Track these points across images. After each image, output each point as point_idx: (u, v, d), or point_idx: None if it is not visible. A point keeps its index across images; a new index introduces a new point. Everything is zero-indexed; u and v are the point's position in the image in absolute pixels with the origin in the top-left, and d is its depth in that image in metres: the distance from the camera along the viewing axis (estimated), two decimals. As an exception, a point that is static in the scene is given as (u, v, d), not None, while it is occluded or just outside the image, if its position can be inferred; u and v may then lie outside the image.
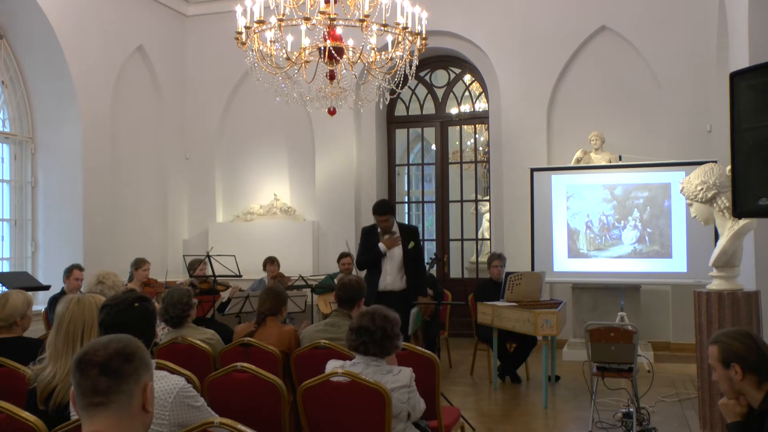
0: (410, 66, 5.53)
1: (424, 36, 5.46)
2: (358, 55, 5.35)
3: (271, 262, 8.25)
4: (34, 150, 8.21)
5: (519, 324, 6.24)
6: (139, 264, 7.34)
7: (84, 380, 1.70)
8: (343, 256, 8.24)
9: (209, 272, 7.66)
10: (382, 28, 5.18)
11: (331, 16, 5.07)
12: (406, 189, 11.79)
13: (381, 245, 5.96)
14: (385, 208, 6.04)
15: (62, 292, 6.36)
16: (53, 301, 6.16)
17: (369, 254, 6.03)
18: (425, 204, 12.43)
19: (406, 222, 11.48)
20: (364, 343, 3.13)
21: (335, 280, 8.22)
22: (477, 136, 10.57)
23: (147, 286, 7.12)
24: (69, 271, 6.58)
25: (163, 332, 4.30)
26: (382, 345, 3.13)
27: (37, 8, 7.61)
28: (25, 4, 7.60)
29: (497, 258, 7.42)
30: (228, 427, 2.14)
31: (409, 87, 6.64)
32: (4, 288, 6.34)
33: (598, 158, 8.26)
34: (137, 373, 1.74)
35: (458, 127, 10.45)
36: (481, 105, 10.09)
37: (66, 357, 2.67)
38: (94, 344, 1.76)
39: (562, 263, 8.21)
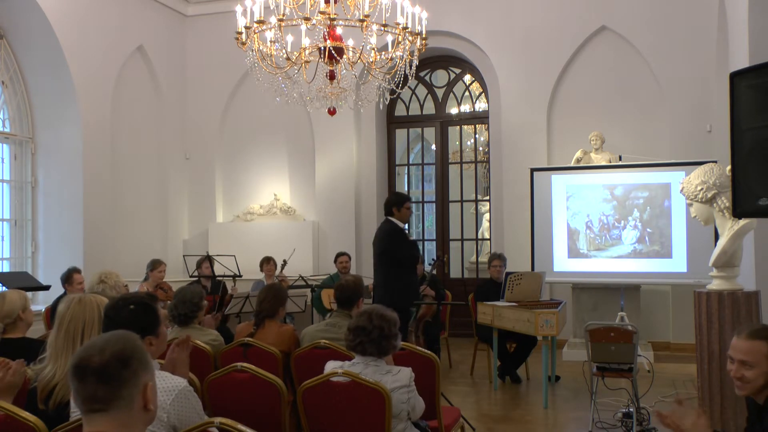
0: (410, 66, 5.53)
1: (424, 36, 5.46)
2: (358, 55, 5.35)
3: (267, 262, 8.23)
4: (34, 150, 8.21)
5: (519, 324, 6.23)
6: (155, 265, 7.33)
7: (82, 388, 1.69)
8: (340, 255, 8.23)
9: (213, 272, 7.67)
10: (382, 28, 5.19)
11: (331, 16, 5.08)
12: (406, 189, 11.77)
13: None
14: None
15: (65, 295, 6.30)
16: (58, 303, 6.08)
17: (416, 250, 6.22)
18: (425, 204, 12.43)
19: (407, 224, 11.48)
20: (361, 343, 3.13)
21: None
22: (477, 136, 10.57)
23: (159, 290, 7.08)
24: (69, 278, 6.34)
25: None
26: (380, 345, 3.13)
27: (37, 8, 7.61)
28: (25, 4, 7.60)
29: (497, 258, 7.42)
30: (228, 427, 2.14)
31: (409, 87, 6.64)
32: (3, 288, 6.34)
33: (598, 158, 8.26)
34: (135, 377, 1.72)
35: (458, 127, 10.45)
36: (481, 105, 10.09)
37: (66, 356, 2.67)
38: (90, 348, 1.73)
39: (562, 263, 8.21)
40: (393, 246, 6.00)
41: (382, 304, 5.52)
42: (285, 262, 7.96)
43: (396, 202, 6.14)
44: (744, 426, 2.80)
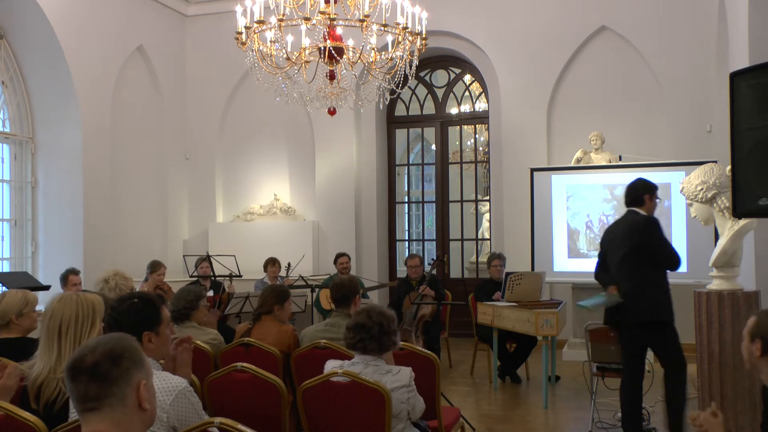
0: (410, 66, 5.54)
1: (424, 36, 5.47)
2: (358, 55, 5.35)
3: (272, 264, 8.20)
4: (34, 150, 8.21)
5: (519, 324, 6.24)
6: (154, 267, 7.34)
7: (75, 387, 1.72)
8: (340, 255, 8.22)
9: (213, 271, 7.68)
10: (382, 28, 5.19)
11: (331, 16, 5.08)
12: (406, 189, 11.79)
13: None
14: None
15: None
16: None
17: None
18: (425, 204, 12.43)
19: (407, 224, 11.49)
20: (361, 340, 3.13)
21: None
22: (477, 136, 10.57)
23: (159, 290, 7.09)
24: (65, 279, 6.35)
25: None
26: (380, 341, 3.13)
27: (37, 8, 7.61)
28: (25, 4, 7.60)
29: (497, 258, 7.42)
30: (228, 427, 2.14)
31: (409, 87, 6.64)
32: (4, 288, 6.34)
33: (598, 158, 8.26)
34: (127, 374, 1.74)
35: (458, 127, 10.45)
36: (481, 105, 10.10)
37: (48, 354, 2.67)
38: (84, 349, 1.76)
39: (562, 263, 8.21)
40: (651, 240, 4.60)
41: (637, 317, 4.52)
42: (290, 264, 7.96)
43: (649, 189, 4.82)
44: (743, 424, 2.81)
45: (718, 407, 2.56)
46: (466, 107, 10.36)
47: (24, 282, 6.60)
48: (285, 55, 5.39)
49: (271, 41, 5.28)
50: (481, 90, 9.87)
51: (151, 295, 2.68)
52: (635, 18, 8.55)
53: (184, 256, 8.83)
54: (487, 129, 9.80)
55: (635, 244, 4.63)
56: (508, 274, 6.82)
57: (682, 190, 4.87)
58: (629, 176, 7.94)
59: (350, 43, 5.43)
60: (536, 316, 6.01)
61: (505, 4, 9.06)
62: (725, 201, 4.52)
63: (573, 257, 8.16)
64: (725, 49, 7.26)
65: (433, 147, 10.70)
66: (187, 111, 10.25)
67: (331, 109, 5.95)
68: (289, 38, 5.34)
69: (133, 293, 2.71)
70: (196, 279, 7.75)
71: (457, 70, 10.03)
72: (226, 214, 10.26)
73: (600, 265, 5.14)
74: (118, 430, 1.70)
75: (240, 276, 7.95)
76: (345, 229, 9.59)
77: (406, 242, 11.55)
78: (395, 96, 7.03)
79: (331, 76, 5.59)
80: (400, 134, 10.54)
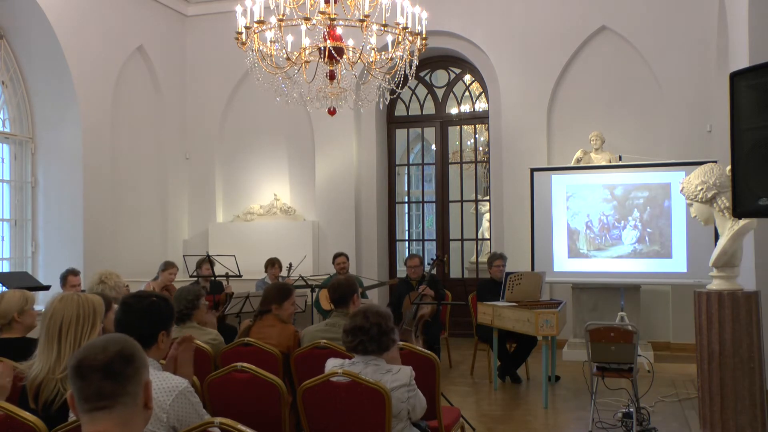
0: (410, 66, 5.54)
1: (424, 36, 5.47)
2: (358, 55, 5.35)
3: (272, 265, 8.16)
4: (34, 150, 8.21)
5: (519, 324, 6.24)
6: (167, 266, 7.40)
7: (86, 386, 1.69)
8: (338, 255, 8.22)
9: (213, 272, 7.68)
10: (382, 28, 5.19)
11: (331, 16, 5.08)
12: (406, 189, 11.79)
13: None
14: None
15: None
16: None
17: None
18: (425, 204, 12.44)
19: (407, 224, 11.49)
20: (361, 342, 3.12)
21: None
22: (477, 136, 10.57)
23: (165, 290, 7.11)
24: (64, 279, 6.38)
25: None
26: (380, 341, 3.12)
27: (37, 8, 7.61)
28: (25, 4, 7.60)
29: (499, 258, 7.41)
30: (228, 427, 2.14)
31: (409, 87, 6.63)
32: (4, 288, 6.34)
33: (598, 158, 8.26)
34: (139, 374, 1.74)
35: (458, 127, 10.45)
36: (481, 105, 10.10)
37: (48, 354, 2.66)
38: (92, 348, 1.74)
39: (562, 263, 8.21)
40: None
41: None
42: (291, 265, 7.97)
43: None
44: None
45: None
46: (466, 107, 10.36)
47: (24, 282, 6.60)
48: (285, 55, 5.39)
49: (271, 41, 5.27)
50: (481, 90, 9.87)
51: (164, 295, 2.73)
52: (635, 18, 8.55)
53: (184, 256, 8.83)
54: (487, 129, 9.80)
55: None
56: (508, 274, 6.83)
57: (682, 190, 4.87)
58: (629, 176, 8.03)
59: (350, 43, 5.43)
60: (536, 316, 6.01)
61: (505, 4, 9.06)
62: (725, 201, 4.52)
63: (573, 257, 8.16)
64: (725, 49, 7.27)
65: (433, 147, 10.70)
66: (187, 111, 10.25)
67: (331, 109, 5.95)
68: (289, 38, 5.34)
69: (147, 292, 2.72)
70: (195, 279, 7.75)
71: (457, 70, 10.03)
72: (226, 214, 10.26)
73: None
74: (125, 429, 1.70)
75: (240, 276, 7.95)
76: (345, 229, 9.59)
77: (406, 242, 11.55)
78: (395, 96, 7.03)
79: (331, 76, 5.59)
80: (400, 134, 10.54)
